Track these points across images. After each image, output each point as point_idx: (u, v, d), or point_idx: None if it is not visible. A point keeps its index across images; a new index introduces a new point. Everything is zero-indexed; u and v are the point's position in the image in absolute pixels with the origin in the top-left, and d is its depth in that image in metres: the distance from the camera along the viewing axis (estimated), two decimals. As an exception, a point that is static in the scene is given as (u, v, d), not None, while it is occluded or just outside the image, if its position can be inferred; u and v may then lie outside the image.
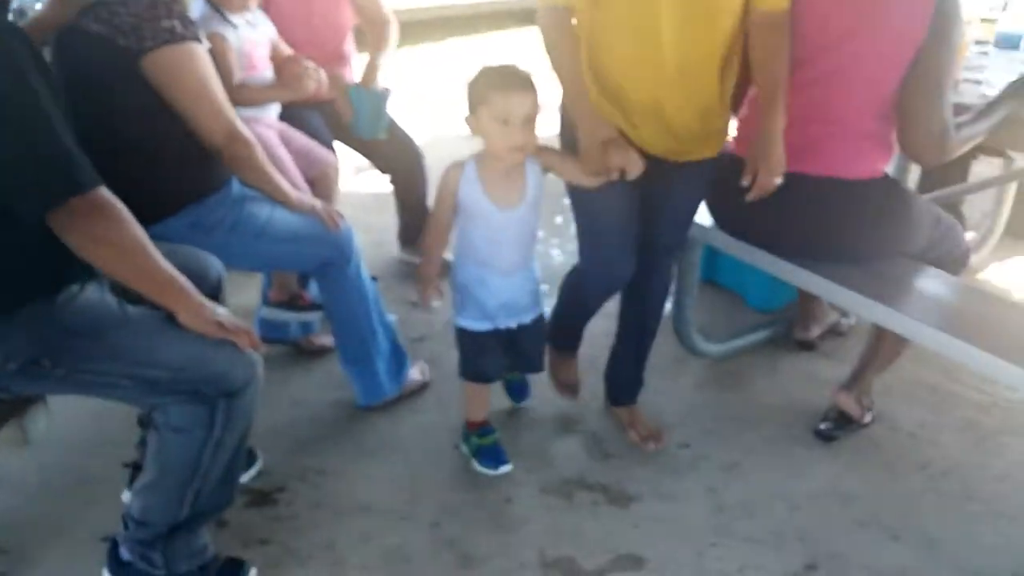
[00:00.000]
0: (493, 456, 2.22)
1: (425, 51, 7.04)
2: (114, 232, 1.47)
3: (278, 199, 2.13)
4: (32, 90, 1.40)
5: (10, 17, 1.58)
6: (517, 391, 2.49)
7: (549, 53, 1.89)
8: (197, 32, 1.94)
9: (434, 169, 3.22)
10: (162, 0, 1.86)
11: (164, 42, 1.84)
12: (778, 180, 1.95)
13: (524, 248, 2.07)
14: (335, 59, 2.86)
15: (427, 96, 5.74)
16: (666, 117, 1.93)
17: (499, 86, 1.85)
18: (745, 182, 1.96)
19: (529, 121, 1.88)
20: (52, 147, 1.42)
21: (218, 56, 2.20)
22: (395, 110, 3.06)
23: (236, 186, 2.11)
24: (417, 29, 7.29)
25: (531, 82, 1.88)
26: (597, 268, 2.18)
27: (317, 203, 2.20)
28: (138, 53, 1.83)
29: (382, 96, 2.56)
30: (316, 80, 2.40)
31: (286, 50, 2.56)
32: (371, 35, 2.97)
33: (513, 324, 2.11)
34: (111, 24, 1.82)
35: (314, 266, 2.28)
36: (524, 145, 1.88)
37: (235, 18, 2.37)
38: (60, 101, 1.49)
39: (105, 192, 1.47)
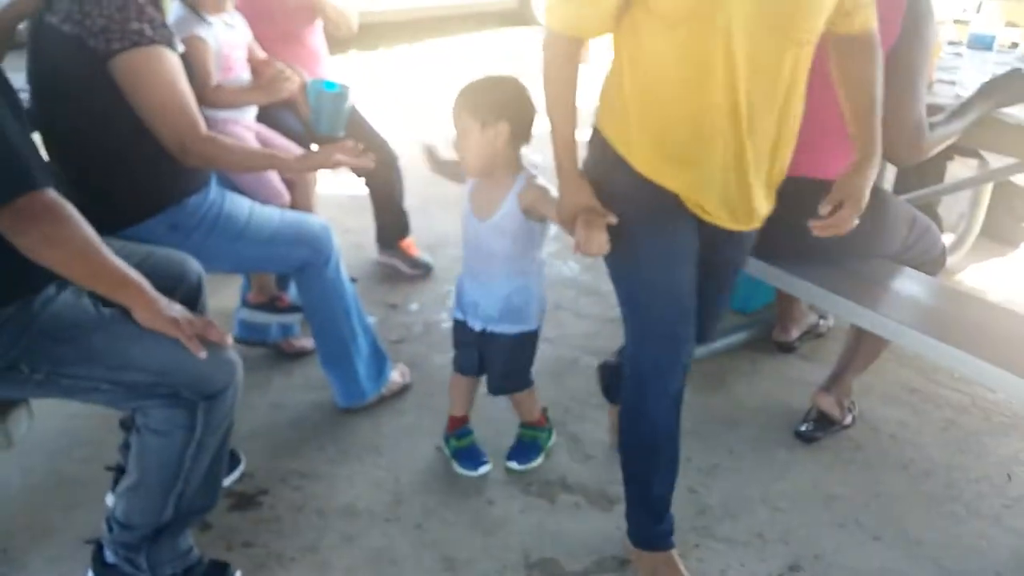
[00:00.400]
0: (471, 457, 2.23)
1: (400, 53, 7.01)
2: (64, 232, 1.44)
3: (272, 166, 2.17)
4: None
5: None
6: (517, 453, 2.28)
7: (546, 87, 1.65)
8: (169, 36, 1.91)
9: (409, 171, 3.22)
10: (133, 2, 1.84)
11: (133, 44, 1.82)
12: (856, 223, 1.74)
13: (489, 260, 2.05)
14: (301, 51, 2.84)
15: (402, 98, 5.72)
16: (736, 175, 1.66)
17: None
18: (823, 211, 1.74)
19: (460, 137, 1.91)
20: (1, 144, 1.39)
21: (196, 58, 2.18)
22: (369, 111, 3.04)
23: (215, 188, 2.09)
24: (392, 31, 7.27)
25: (470, 98, 1.90)
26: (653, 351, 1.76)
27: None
28: (106, 55, 1.81)
29: (341, 93, 2.53)
30: (291, 83, 2.37)
31: (260, 52, 2.55)
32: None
33: (478, 326, 2.11)
34: (82, 25, 1.80)
35: (293, 267, 2.26)
36: (460, 161, 1.96)
37: (212, 19, 2.35)
38: (14, 100, 1.47)
39: (53, 193, 1.43)
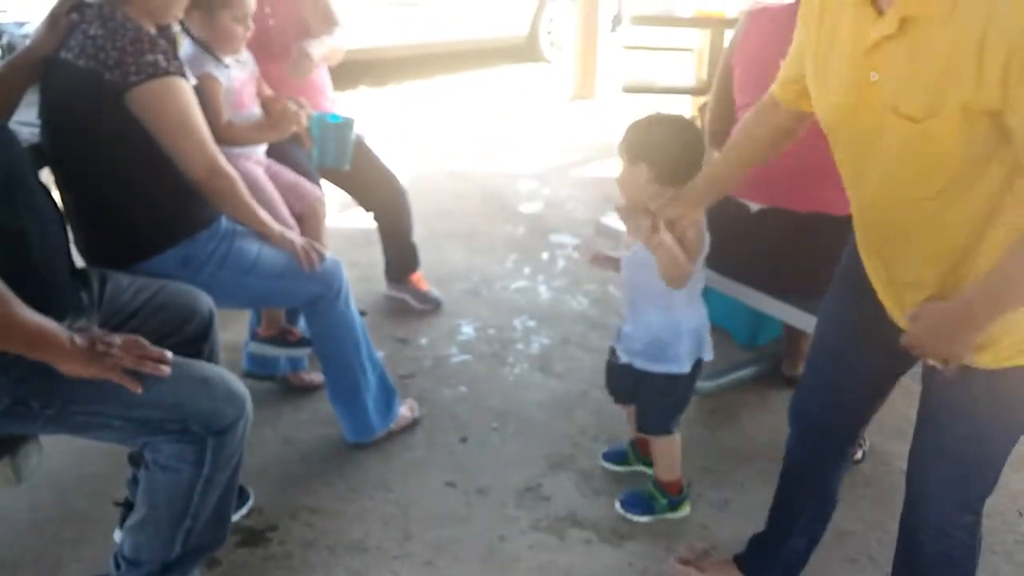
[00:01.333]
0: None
1: (410, 89, 7.08)
2: None
3: (261, 233, 2.13)
4: None
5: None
6: (629, 498, 2.24)
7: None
8: (182, 67, 1.94)
9: (417, 205, 3.25)
10: (146, 34, 1.87)
11: (149, 76, 1.84)
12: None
13: (636, 293, 2.04)
14: (306, 86, 2.87)
15: (412, 133, 5.77)
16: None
17: None
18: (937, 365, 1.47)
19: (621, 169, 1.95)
20: None
21: (209, 96, 2.21)
22: (379, 146, 3.07)
23: (225, 222, 2.10)
24: (402, 67, 7.35)
25: (626, 135, 1.93)
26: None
27: (298, 240, 2.19)
28: (123, 88, 1.83)
29: (344, 126, 2.56)
30: (300, 119, 2.40)
31: (267, 89, 2.58)
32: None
33: (624, 359, 2.10)
34: (97, 59, 1.82)
35: (303, 301, 2.27)
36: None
37: (226, 58, 2.38)
38: None
39: None
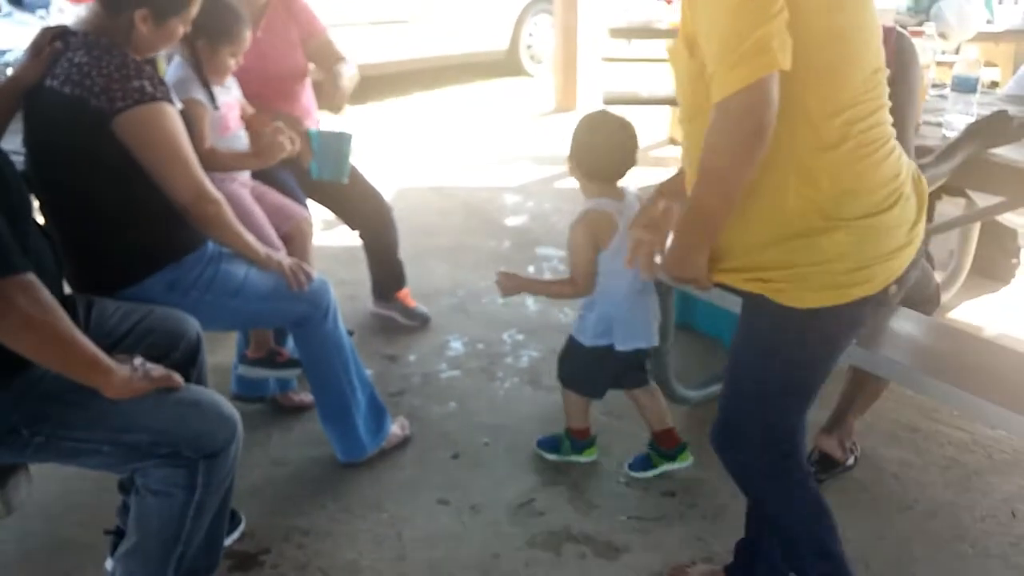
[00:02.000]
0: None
1: (390, 106, 7.09)
2: (41, 316, 1.42)
3: (247, 257, 2.12)
4: None
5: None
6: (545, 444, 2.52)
7: (757, 141, 1.35)
8: (168, 92, 1.94)
9: (402, 222, 3.24)
10: (132, 61, 1.87)
11: (135, 102, 1.84)
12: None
13: None
14: (292, 104, 2.88)
15: (394, 150, 5.77)
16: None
17: None
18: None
19: None
20: None
21: (194, 121, 2.21)
22: (362, 164, 3.07)
23: (212, 245, 2.09)
24: (382, 84, 7.34)
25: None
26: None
27: (286, 260, 2.19)
28: (110, 114, 1.82)
29: (343, 139, 2.57)
30: (286, 149, 2.39)
31: (248, 108, 2.57)
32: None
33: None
34: (82, 85, 1.82)
35: (291, 322, 2.26)
36: None
37: (215, 87, 2.38)
38: (4, 179, 1.47)
39: (32, 276, 1.42)
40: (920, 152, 2.12)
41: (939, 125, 2.55)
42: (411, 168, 5.34)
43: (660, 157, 5.56)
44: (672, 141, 5.81)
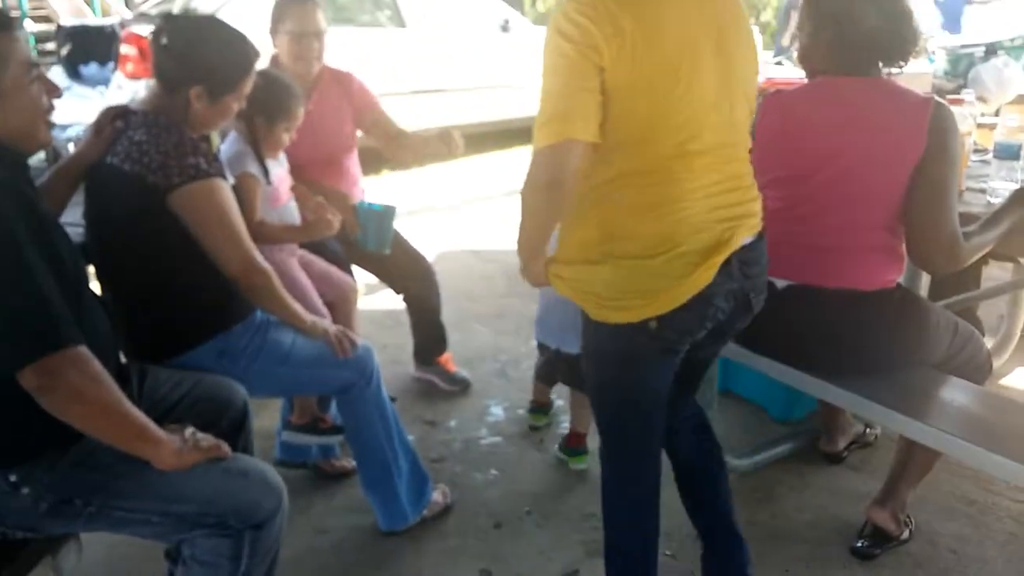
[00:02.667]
0: None
1: (432, 171, 7.21)
2: (92, 389, 1.45)
3: (294, 325, 2.15)
4: (15, 243, 1.42)
5: (41, 157, 1.65)
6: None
7: (557, 198, 1.64)
8: (221, 168, 2.02)
9: (444, 286, 3.27)
10: (188, 139, 1.94)
11: (190, 178, 1.90)
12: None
13: None
14: (340, 177, 2.96)
15: (435, 215, 5.85)
16: None
17: None
18: None
19: None
20: (30, 300, 1.41)
21: (247, 195, 2.28)
22: (405, 228, 3.12)
23: (260, 314, 2.13)
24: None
25: None
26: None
27: (331, 328, 2.21)
28: (166, 189, 1.89)
29: (388, 212, 2.66)
30: (331, 228, 2.45)
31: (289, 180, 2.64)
32: (390, 148, 3.10)
33: None
34: (141, 163, 1.89)
35: (336, 389, 2.28)
36: None
37: (268, 160, 2.45)
38: (57, 245, 1.51)
39: (83, 349, 1.45)
40: (965, 219, 2.10)
41: (983, 191, 2.54)
42: (452, 233, 5.41)
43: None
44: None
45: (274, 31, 2.87)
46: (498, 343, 3.72)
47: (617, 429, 1.88)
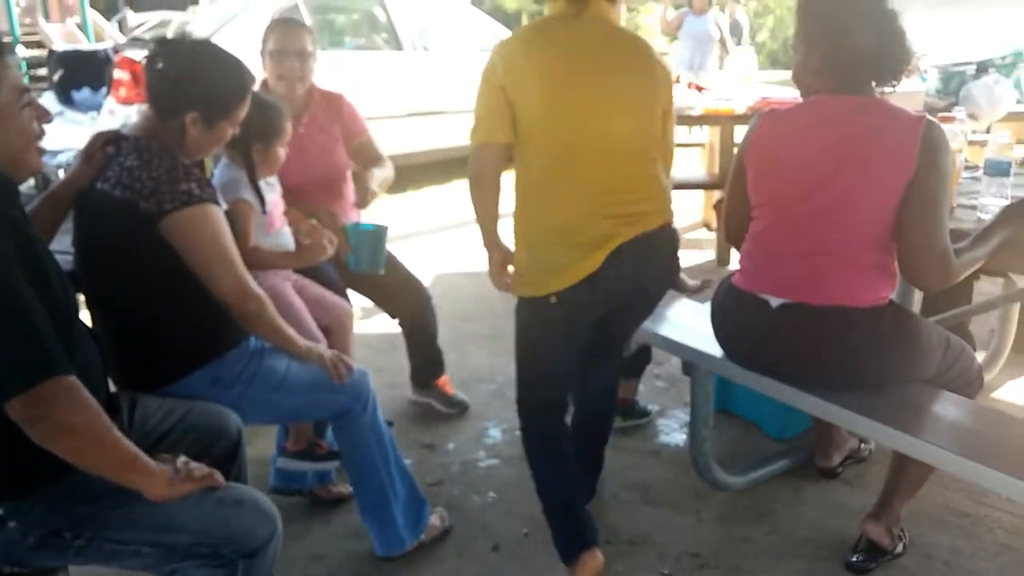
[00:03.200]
0: None
1: (428, 194, 7.26)
2: (82, 418, 1.43)
3: (289, 351, 2.15)
4: (5, 270, 1.42)
5: (31, 184, 1.65)
6: None
7: (483, 187, 2.17)
8: (214, 193, 2.01)
9: (440, 308, 3.28)
10: (181, 164, 1.94)
11: (183, 204, 1.90)
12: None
13: None
14: (334, 199, 2.97)
15: (431, 237, 5.87)
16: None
17: None
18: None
19: None
20: (19, 329, 1.41)
21: (240, 220, 2.29)
22: (400, 251, 3.13)
23: (254, 340, 2.14)
24: (419, 173, 7.52)
25: None
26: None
27: (326, 353, 2.22)
28: (158, 215, 1.89)
29: (379, 232, 2.65)
30: (326, 253, 2.46)
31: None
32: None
33: None
34: (132, 188, 1.89)
35: (332, 415, 2.29)
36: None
37: (262, 183, 2.47)
38: (46, 273, 1.51)
39: (73, 378, 1.43)
40: (956, 235, 2.11)
41: (974, 207, 2.56)
42: (448, 255, 5.43)
43: (694, 239, 5.60)
44: (706, 225, 5.84)
45: (262, 53, 2.91)
46: (495, 364, 3.72)
47: (525, 383, 2.31)
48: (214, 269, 1.97)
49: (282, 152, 2.48)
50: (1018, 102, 4.41)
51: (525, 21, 17.37)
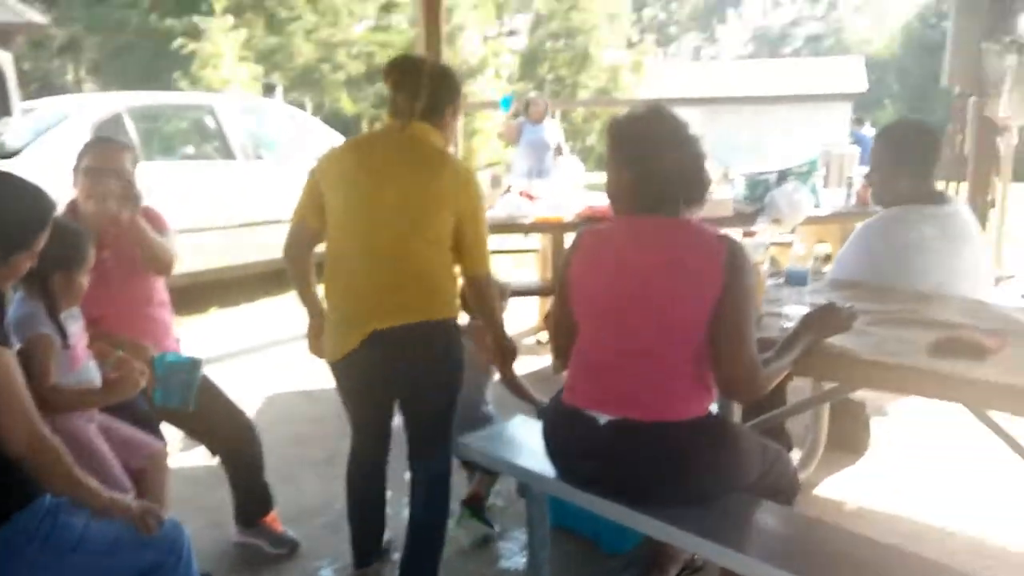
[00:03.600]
0: None
1: (261, 307, 7.04)
2: None
3: (89, 505, 1.99)
4: None
5: None
6: None
7: (293, 258, 2.69)
8: (5, 336, 1.87)
9: (269, 434, 3.12)
10: None
11: None
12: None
13: None
14: (147, 327, 2.85)
15: (264, 355, 5.66)
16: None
17: None
18: None
19: None
20: None
21: (40, 357, 2.16)
22: (226, 374, 2.98)
23: (48, 497, 1.96)
24: (252, 285, 7.31)
25: None
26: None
27: (133, 505, 2.05)
28: None
29: (191, 365, 2.53)
30: (137, 387, 2.33)
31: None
32: None
33: None
34: None
35: (140, 573, 2.10)
36: None
37: (63, 313, 2.31)
38: None
39: None
40: (763, 344, 2.21)
41: (779, 315, 2.69)
42: (282, 371, 5.23)
43: (530, 345, 5.67)
44: (540, 331, 5.94)
45: (75, 170, 2.78)
46: (331, 492, 3.52)
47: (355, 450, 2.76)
48: (2, 421, 1.81)
49: (84, 281, 2.35)
50: (816, 207, 4.81)
51: (364, 125, 17.80)
